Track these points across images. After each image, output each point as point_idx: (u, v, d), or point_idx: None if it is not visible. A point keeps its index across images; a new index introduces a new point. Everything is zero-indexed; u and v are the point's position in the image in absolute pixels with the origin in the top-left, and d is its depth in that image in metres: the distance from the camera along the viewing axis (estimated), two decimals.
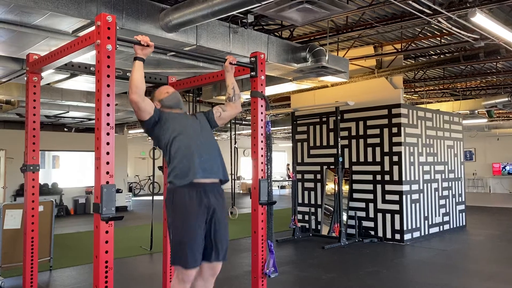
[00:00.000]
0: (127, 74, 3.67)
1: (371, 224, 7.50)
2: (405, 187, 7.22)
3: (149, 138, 2.98)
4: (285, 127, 13.99)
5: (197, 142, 2.72)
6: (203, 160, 2.68)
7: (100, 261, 2.18)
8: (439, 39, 6.99)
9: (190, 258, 2.58)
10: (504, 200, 14.95)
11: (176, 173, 2.63)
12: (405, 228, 7.13)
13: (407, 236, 7.17)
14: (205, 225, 2.66)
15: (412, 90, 10.98)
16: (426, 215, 7.67)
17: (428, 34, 6.90)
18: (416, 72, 9.35)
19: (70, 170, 14.06)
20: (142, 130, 14.99)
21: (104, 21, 2.23)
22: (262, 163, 3.12)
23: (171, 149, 2.69)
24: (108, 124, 2.21)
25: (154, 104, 2.84)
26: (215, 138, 3.06)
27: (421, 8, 4.80)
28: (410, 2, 4.71)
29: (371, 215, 7.51)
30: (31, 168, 3.22)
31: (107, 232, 2.19)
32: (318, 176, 8.27)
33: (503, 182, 17.90)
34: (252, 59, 3.13)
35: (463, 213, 8.82)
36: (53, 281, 5.21)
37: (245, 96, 8.18)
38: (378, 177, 7.45)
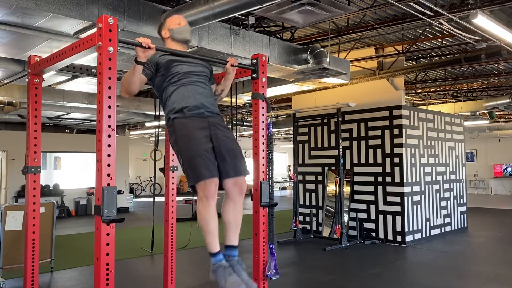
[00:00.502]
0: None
1: (372, 225, 7.49)
2: (407, 189, 7.21)
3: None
4: (286, 129, 13.99)
5: (194, 84, 2.72)
6: (199, 98, 2.68)
7: (101, 264, 2.17)
8: (441, 40, 6.99)
9: (204, 169, 2.48)
10: (506, 201, 14.92)
11: (171, 111, 2.65)
12: (406, 230, 7.12)
13: (408, 238, 7.15)
14: (210, 141, 2.60)
15: (414, 92, 10.97)
16: (427, 216, 7.66)
17: (429, 35, 6.90)
18: (417, 74, 9.34)
19: (71, 171, 14.08)
20: (143, 132, 14.99)
21: (106, 23, 2.23)
22: (263, 164, 3.12)
23: (167, 94, 2.70)
24: (109, 126, 2.21)
25: (162, 31, 2.84)
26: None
27: (422, 9, 4.80)
28: (411, 3, 4.72)
29: (373, 216, 7.50)
30: (33, 170, 3.22)
31: (108, 234, 2.18)
32: (319, 178, 8.27)
33: (504, 184, 17.87)
34: (253, 61, 3.13)
35: (465, 215, 8.80)
36: (54, 282, 5.21)
37: (247, 97, 8.19)
38: (380, 179, 7.44)
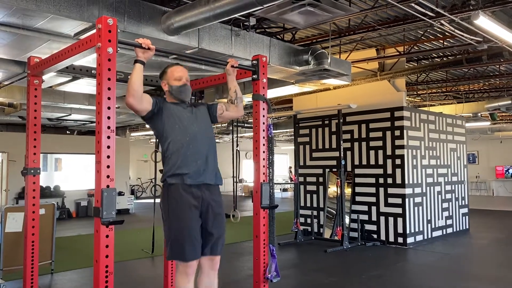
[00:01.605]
0: (129, 77, 3.66)
1: (373, 227, 7.46)
2: (408, 190, 7.18)
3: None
4: (287, 130, 13.97)
5: (194, 143, 2.70)
6: (199, 164, 2.67)
7: (101, 266, 2.16)
8: (442, 41, 6.97)
9: (189, 251, 2.58)
10: (508, 203, 14.87)
11: (169, 173, 2.64)
12: (408, 232, 7.10)
13: (410, 240, 7.13)
14: (200, 218, 2.65)
15: (415, 93, 10.96)
16: (429, 218, 7.63)
17: (430, 36, 6.88)
18: (418, 75, 9.33)
19: (72, 173, 14.07)
20: (144, 133, 15.00)
21: (105, 24, 2.22)
22: (264, 166, 3.10)
23: (166, 147, 2.70)
24: (108, 127, 2.20)
25: (162, 82, 2.85)
26: (216, 140, 3.01)
27: (423, 10, 4.78)
28: (413, 4, 4.70)
29: (374, 218, 7.47)
30: (32, 171, 3.21)
31: (107, 236, 2.17)
32: (321, 179, 8.24)
33: (506, 185, 17.82)
34: (254, 62, 3.12)
35: (467, 217, 8.77)
36: (55, 284, 5.19)
37: (247, 99, 8.18)
38: (381, 180, 7.42)
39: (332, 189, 7.89)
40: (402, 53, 7.17)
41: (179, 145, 2.67)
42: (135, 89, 2.51)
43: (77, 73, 3.52)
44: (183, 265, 2.62)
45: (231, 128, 10.29)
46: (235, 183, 6.68)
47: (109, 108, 2.20)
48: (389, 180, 7.31)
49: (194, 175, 2.63)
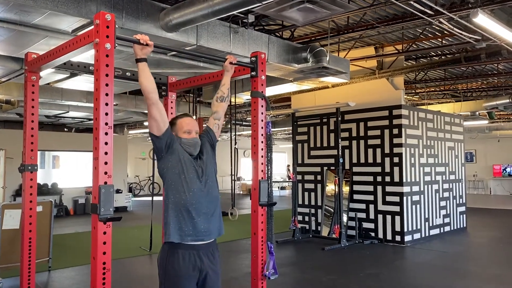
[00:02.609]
0: (127, 73, 3.64)
1: (371, 225, 7.47)
2: (406, 189, 7.19)
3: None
4: (286, 128, 13.97)
5: (196, 199, 2.54)
6: (200, 221, 2.53)
7: (98, 263, 2.15)
8: (441, 40, 6.97)
9: None
10: (505, 202, 14.91)
11: (170, 231, 2.49)
12: (405, 230, 7.11)
13: (407, 238, 7.14)
14: (196, 285, 2.54)
15: (413, 91, 10.96)
16: (426, 216, 7.64)
17: (429, 35, 6.88)
18: (417, 73, 9.33)
19: (70, 170, 14.04)
20: (142, 131, 14.97)
21: (103, 19, 2.21)
22: (262, 164, 3.09)
23: (168, 197, 2.54)
24: (106, 123, 2.18)
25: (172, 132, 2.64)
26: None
27: (422, 8, 4.77)
28: (412, 2, 4.69)
29: (372, 216, 7.48)
30: (29, 168, 3.19)
31: (105, 233, 2.16)
32: (319, 177, 8.25)
33: (503, 184, 17.86)
34: (252, 59, 3.11)
35: (464, 215, 8.79)
36: (52, 281, 5.18)
37: (246, 96, 8.16)
38: (379, 178, 7.42)
39: (330, 187, 7.89)
40: (401, 51, 7.16)
41: (180, 199, 2.51)
42: (149, 90, 2.37)
43: (74, 69, 3.49)
44: None
45: (229, 126, 10.27)
46: (233, 181, 6.67)
47: (107, 104, 2.19)
48: (387, 178, 7.32)
49: (193, 233, 2.53)
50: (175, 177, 2.54)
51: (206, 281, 2.58)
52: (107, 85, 2.19)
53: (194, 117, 7.15)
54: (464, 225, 8.77)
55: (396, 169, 7.22)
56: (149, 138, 2.61)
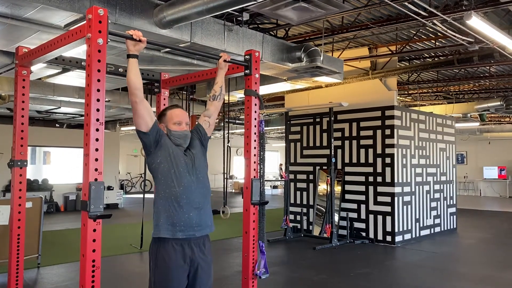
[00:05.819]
0: (119, 69, 3.61)
1: (362, 225, 7.50)
2: (397, 189, 7.22)
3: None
4: (279, 127, 13.98)
5: (187, 193, 2.52)
6: (192, 215, 2.51)
7: (87, 260, 2.13)
8: (434, 41, 7.01)
9: None
10: (494, 203, 15.06)
11: (161, 225, 2.48)
12: (396, 230, 7.14)
13: (398, 238, 7.17)
14: (187, 279, 2.53)
15: (406, 93, 11.02)
16: (417, 217, 7.68)
17: (423, 36, 6.91)
18: (410, 75, 9.38)
19: (61, 167, 13.93)
20: (134, 128, 14.92)
21: (96, 14, 2.18)
22: (254, 162, 3.08)
23: (159, 191, 2.53)
24: (97, 119, 2.16)
25: (160, 124, 2.63)
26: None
27: (416, 10, 4.79)
28: (406, 3, 4.71)
29: (363, 216, 7.51)
30: (19, 163, 3.15)
31: (94, 230, 2.14)
32: (311, 177, 8.26)
33: (493, 186, 18.02)
34: (246, 57, 3.09)
35: (454, 216, 8.86)
36: (41, 278, 5.13)
37: (239, 94, 8.15)
38: (371, 179, 7.45)
39: (322, 187, 7.90)
40: (394, 52, 7.19)
41: (171, 193, 2.50)
42: (135, 86, 2.37)
43: (66, 64, 3.45)
44: None
45: (222, 124, 10.25)
46: (225, 180, 6.65)
47: (98, 100, 2.16)
48: (379, 179, 7.35)
49: (185, 228, 2.51)
50: (165, 172, 2.53)
51: (198, 272, 2.56)
52: (99, 80, 2.16)
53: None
54: (454, 226, 8.83)
55: (388, 169, 7.25)
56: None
